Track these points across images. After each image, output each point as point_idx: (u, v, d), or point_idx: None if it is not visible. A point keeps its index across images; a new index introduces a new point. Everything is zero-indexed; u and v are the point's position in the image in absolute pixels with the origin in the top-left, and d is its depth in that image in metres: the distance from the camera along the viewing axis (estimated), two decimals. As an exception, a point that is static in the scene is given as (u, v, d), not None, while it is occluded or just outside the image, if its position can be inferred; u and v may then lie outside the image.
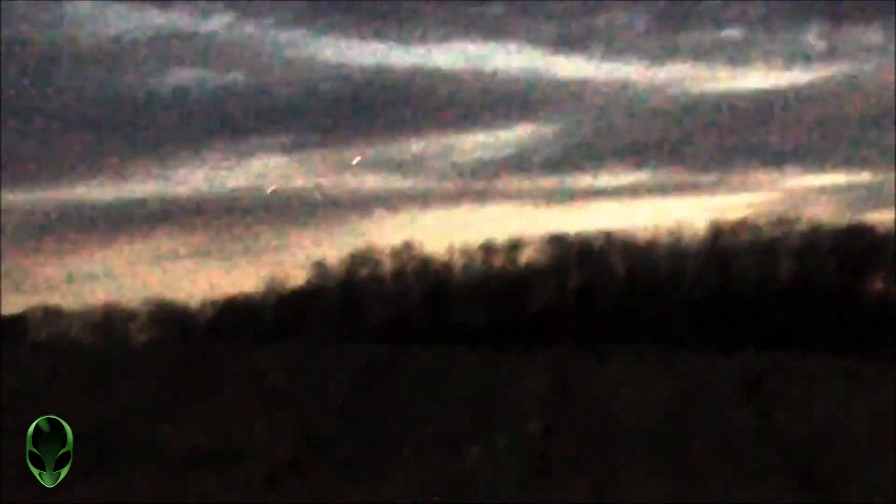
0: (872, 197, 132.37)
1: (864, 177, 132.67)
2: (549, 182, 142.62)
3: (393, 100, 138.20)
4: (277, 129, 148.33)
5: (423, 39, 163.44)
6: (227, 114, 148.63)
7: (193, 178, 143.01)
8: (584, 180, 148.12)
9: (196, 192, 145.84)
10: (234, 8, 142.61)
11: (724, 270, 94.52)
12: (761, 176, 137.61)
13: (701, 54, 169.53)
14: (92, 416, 32.48)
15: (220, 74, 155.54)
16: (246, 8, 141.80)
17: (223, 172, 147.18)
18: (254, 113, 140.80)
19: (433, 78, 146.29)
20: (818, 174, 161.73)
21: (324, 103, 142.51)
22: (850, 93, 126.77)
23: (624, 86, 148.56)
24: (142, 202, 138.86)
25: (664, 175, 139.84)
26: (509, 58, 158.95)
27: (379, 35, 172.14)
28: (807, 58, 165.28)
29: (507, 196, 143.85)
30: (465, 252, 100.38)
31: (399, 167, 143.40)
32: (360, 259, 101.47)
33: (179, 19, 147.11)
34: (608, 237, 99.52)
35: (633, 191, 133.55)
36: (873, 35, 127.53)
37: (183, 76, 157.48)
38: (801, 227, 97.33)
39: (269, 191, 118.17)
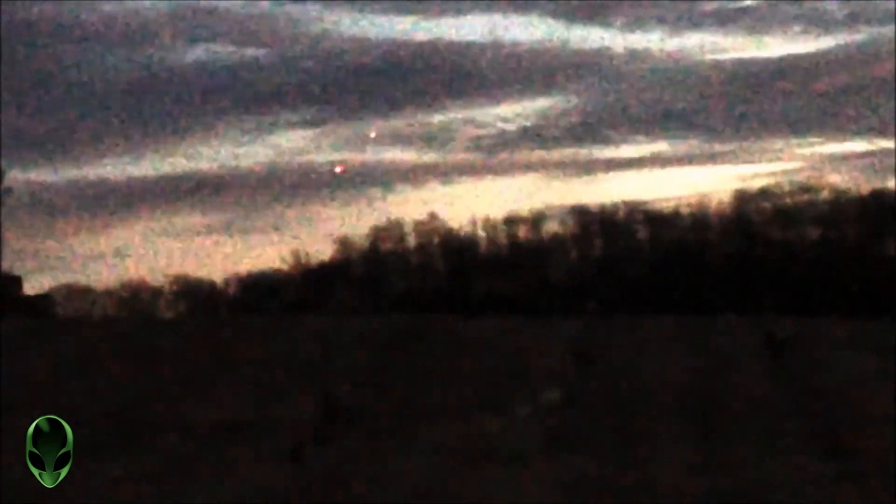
0: (894, 164, 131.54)
1: (886, 144, 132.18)
2: (570, 153, 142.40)
3: (414, 73, 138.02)
4: (297, 104, 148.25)
5: (442, 12, 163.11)
6: (246, 89, 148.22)
7: (215, 154, 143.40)
8: (606, 151, 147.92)
9: (219, 168, 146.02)
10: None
11: (748, 238, 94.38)
12: (782, 144, 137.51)
13: (720, 23, 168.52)
14: (118, 393, 32.72)
15: (239, 49, 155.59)
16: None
17: (244, 148, 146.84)
18: (274, 88, 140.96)
19: (453, 51, 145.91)
20: (839, 142, 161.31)
21: (344, 77, 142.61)
22: (871, 60, 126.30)
23: (644, 55, 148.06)
24: (164, 179, 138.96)
25: (685, 145, 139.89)
26: (529, 29, 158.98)
27: (398, 8, 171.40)
28: (826, 25, 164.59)
29: (528, 168, 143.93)
30: (488, 224, 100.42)
31: (421, 140, 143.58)
32: (384, 233, 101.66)
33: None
34: (630, 207, 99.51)
35: (655, 161, 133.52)
36: (893, 1, 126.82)
37: (201, 52, 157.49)
38: (824, 194, 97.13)
39: (337, 170, 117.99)
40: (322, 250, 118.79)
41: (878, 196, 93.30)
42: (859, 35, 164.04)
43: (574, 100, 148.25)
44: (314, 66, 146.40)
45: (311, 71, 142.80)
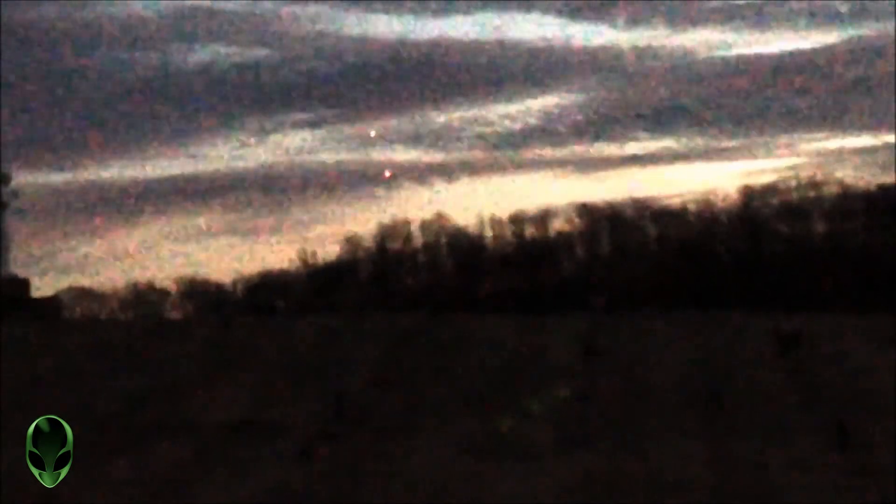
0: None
1: (891, 139, 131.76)
2: (576, 150, 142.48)
3: (419, 72, 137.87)
4: (303, 104, 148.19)
5: (445, 11, 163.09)
6: (251, 89, 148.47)
7: (220, 154, 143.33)
8: (612, 148, 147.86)
9: (224, 169, 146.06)
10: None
11: (756, 233, 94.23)
12: (788, 140, 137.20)
13: (726, 19, 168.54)
14: (127, 392, 32.78)
15: (243, 50, 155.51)
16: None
17: (250, 149, 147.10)
18: (278, 88, 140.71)
19: (457, 49, 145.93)
20: (845, 137, 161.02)
21: (348, 77, 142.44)
22: (876, 54, 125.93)
23: (649, 52, 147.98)
24: (170, 180, 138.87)
25: (690, 141, 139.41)
26: (532, 27, 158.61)
27: (401, 7, 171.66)
28: (832, 19, 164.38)
29: (534, 165, 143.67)
30: (495, 222, 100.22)
31: (426, 139, 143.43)
32: (391, 231, 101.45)
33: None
34: (637, 204, 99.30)
35: (661, 157, 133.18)
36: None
37: (206, 53, 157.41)
38: (830, 189, 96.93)
39: (386, 175, 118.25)
40: (330, 250, 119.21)
41: (885, 190, 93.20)
42: (864, 31, 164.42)
43: (579, 97, 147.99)
44: (318, 66, 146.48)
45: (316, 71, 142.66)
